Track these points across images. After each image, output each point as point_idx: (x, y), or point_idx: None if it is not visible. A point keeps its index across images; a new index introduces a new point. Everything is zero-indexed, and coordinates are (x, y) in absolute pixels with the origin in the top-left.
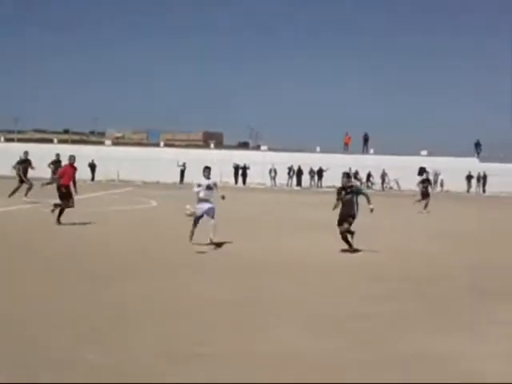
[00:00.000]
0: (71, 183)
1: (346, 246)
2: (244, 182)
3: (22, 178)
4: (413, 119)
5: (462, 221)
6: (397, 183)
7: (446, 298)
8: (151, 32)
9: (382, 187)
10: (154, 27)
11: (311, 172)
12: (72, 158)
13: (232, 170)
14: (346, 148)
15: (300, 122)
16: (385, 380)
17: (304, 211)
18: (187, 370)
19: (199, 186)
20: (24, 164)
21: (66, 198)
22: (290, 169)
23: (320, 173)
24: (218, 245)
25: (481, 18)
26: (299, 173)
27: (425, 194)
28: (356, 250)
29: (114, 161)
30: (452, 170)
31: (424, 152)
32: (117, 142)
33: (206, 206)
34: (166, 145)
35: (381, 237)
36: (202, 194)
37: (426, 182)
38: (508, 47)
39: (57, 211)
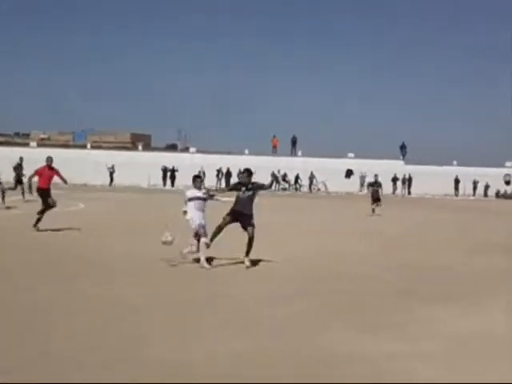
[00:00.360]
0: (50, 185)
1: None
2: (172, 184)
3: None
4: (340, 122)
5: (389, 222)
6: (324, 185)
7: (371, 298)
8: (84, 29)
9: (310, 189)
10: (88, 24)
11: (239, 174)
12: (49, 160)
13: (160, 173)
14: (274, 150)
15: (228, 125)
16: (315, 380)
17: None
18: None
19: (190, 200)
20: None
21: (44, 198)
22: (219, 171)
23: None
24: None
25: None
26: (228, 175)
27: (376, 198)
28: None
29: (40, 163)
30: (378, 172)
31: (351, 154)
32: (42, 144)
33: (200, 219)
34: (93, 146)
35: (306, 237)
36: (194, 208)
37: (375, 185)
38: (431, 51)
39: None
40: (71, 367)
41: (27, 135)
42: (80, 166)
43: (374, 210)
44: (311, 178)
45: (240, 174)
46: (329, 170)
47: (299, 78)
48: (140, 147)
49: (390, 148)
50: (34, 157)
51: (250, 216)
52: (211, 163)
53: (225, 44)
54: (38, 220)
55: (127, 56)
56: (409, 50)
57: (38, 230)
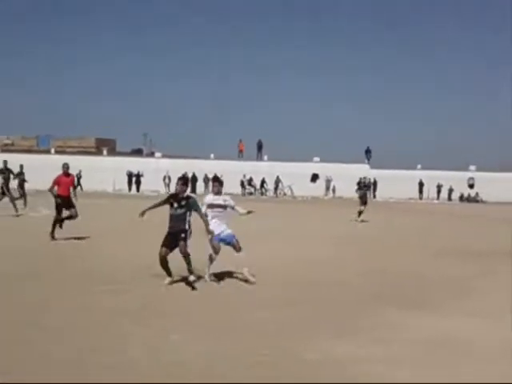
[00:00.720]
0: (70, 192)
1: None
2: (138, 189)
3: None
4: (306, 126)
5: (354, 226)
6: (290, 189)
7: (341, 303)
8: (49, 36)
9: (276, 193)
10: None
11: (205, 179)
12: (65, 166)
13: (125, 178)
14: (240, 155)
15: (193, 129)
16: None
17: None
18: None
19: (209, 206)
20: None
21: (62, 208)
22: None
23: (216, 180)
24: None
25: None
26: (193, 180)
27: (364, 202)
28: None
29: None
30: (343, 176)
31: (317, 158)
32: (6, 149)
33: (220, 229)
34: (57, 152)
35: (279, 243)
36: (210, 216)
37: (364, 188)
38: (391, 52)
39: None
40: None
41: None
42: (44, 171)
43: (360, 214)
44: (277, 182)
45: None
46: (294, 175)
47: (264, 81)
48: (105, 152)
49: (355, 152)
50: None
51: (181, 231)
52: (177, 168)
53: (186, 48)
54: (59, 225)
55: (92, 59)
56: (373, 51)
57: (54, 238)
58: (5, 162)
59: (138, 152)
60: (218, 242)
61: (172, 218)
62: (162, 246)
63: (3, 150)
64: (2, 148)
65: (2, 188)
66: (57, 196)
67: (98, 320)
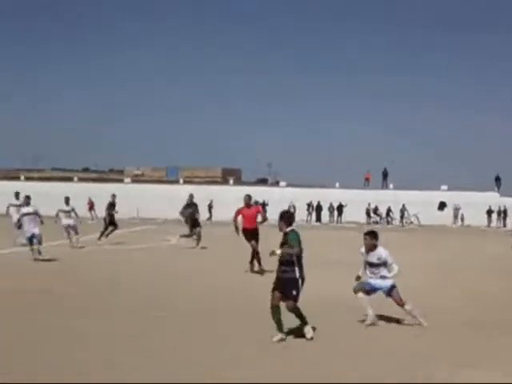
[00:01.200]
0: (256, 224)
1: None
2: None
3: (110, 221)
4: (433, 154)
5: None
6: (417, 218)
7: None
8: (165, 68)
9: (402, 222)
10: (168, 65)
11: (330, 208)
12: (246, 199)
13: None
14: (366, 184)
15: (318, 159)
16: None
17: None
18: None
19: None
20: (111, 208)
21: (249, 239)
22: (309, 205)
23: (340, 208)
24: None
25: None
26: (318, 208)
27: None
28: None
29: (134, 198)
30: (472, 205)
31: (444, 187)
32: (136, 180)
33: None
34: (185, 181)
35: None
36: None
37: None
38: None
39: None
40: None
41: (121, 171)
42: (173, 200)
43: None
44: (402, 210)
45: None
46: (421, 203)
47: (390, 113)
48: (231, 181)
49: (484, 180)
50: (128, 193)
51: (289, 281)
52: (301, 197)
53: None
54: (257, 262)
55: (217, 97)
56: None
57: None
58: (191, 195)
59: (263, 181)
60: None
61: (278, 260)
62: (273, 289)
63: (133, 181)
64: (133, 179)
65: (190, 221)
66: (242, 230)
67: None
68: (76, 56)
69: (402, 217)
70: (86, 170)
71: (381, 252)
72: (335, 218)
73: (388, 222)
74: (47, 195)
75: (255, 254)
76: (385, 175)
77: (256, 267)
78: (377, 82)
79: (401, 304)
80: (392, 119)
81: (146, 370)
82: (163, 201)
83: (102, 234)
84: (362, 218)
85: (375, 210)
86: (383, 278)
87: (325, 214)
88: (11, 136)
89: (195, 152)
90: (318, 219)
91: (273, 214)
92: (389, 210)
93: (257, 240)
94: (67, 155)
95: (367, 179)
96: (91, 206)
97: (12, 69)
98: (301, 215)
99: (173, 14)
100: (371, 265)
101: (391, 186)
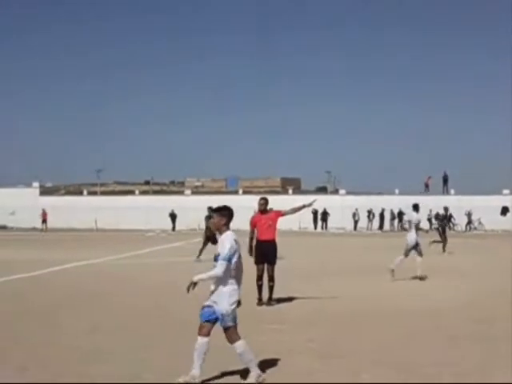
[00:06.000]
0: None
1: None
2: (325, 227)
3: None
4: (494, 158)
5: None
6: (480, 223)
7: None
8: (222, 77)
9: (466, 228)
10: (224, 73)
11: (391, 214)
12: (263, 202)
13: (311, 216)
14: (426, 189)
15: (377, 165)
16: None
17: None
18: None
19: None
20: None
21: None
22: (370, 212)
23: (400, 215)
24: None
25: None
26: (382, 216)
27: None
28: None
29: (194, 210)
30: None
31: (506, 191)
32: (196, 191)
33: None
34: (245, 192)
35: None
36: None
37: None
38: None
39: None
40: None
41: (182, 183)
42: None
43: None
44: (469, 215)
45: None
46: (482, 208)
47: (448, 115)
48: (290, 191)
49: None
50: (188, 205)
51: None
52: (361, 204)
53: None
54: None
55: (277, 105)
56: None
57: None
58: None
59: (322, 190)
60: None
61: None
62: None
63: (193, 193)
64: (193, 190)
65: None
66: (256, 244)
67: None
68: (135, 65)
69: (468, 222)
70: (147, 182)
71: None
72: (396, 225)
73: (450, 228)
74: (111, 209)
75: (269, 281)
76: (445, 180)
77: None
78: (434, 85)
79: None
80: (454, 125)
81: None
82: None
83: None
84: (423, 225)
85: (436, 216)
86: None
87: (386, 220)
88: (74, 151)
89: (254, 162)
90: (381, 227)
91: (334, 223)
92: (450, 216)
93: (273, 260)
94: (129, 168)
95: (427, 185)
96: (45, 218)
97: (70, 84)
98: (361, 223)
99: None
100: None
101: (452, 191)
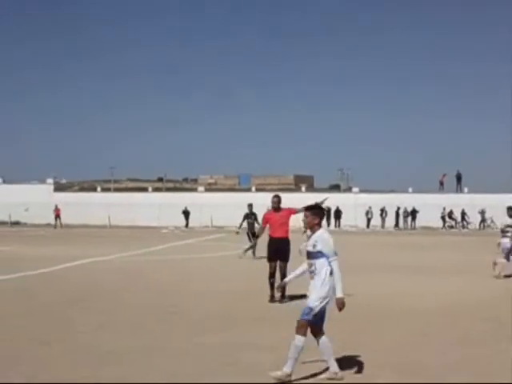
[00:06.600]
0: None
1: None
2: (338, 224)
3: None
4: (507, 156)
5: None
6: (492, 221)
7: None
8: (239, 73)
9: (480, 226)
10: (238, 77)
11: (405, 213)
12: (276, 200)
13: (325, 213)
14: (441, 187)
15: (390, 164)
16: None
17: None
18: None
19: None
20: (249, 219)
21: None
22: (383, 210)
23: (413, 213)
24: None
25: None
26: (397, 214)
27: None
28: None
29: (207, 207)
30: None
31: None
32: (209, 189)
33: None
34: (258, 189)
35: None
36: None
37: None
38: None
39: None
40: None
41: (195, 180)
42: (246, 208)
43: None
44: (483, 213)
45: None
46: (496, 206)
47: (460, 116)
48: (303, 188)
49: None
50: (201, 201)
51: None
52: (374, 202)
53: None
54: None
55: (290, 103)
56: None
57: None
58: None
59: (335, 187)
60: None
61: None
62: None
63: (207, 190)
64: (206, 187)
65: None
66: (268, 241)
67: None
68: (149, 67)
69: (482, 221)
70: (160, 179)
71: None
72: (409, 223)
73: (463, 227)
74: (125, 206)
75: (281, 279)
76: (458, 178)
77: (277, 296)
78: (447, 84)
79: None
80: (465, 123)
81: None
82: (236, 209)
83: (252, 248)
84: (437, 223)
85: (450, 215)
86: None
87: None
88: (88, 148)
89: (267, 159)
90: (397, 224)
91: (347, 220)
92: (463, 214)
93: (286, 257)
94: (142, 165)
95: (442, 183)
96: (58, 214)
97: (84, 83)
98: (374, 221)
99: None
100: None
101: (466, 189)
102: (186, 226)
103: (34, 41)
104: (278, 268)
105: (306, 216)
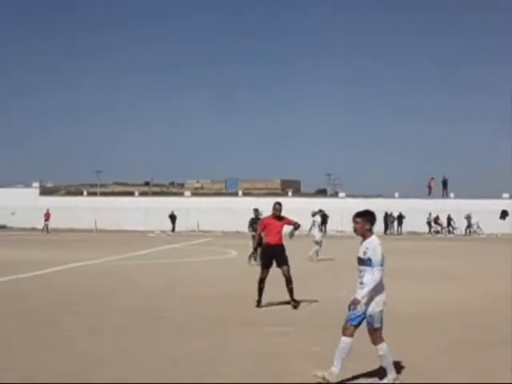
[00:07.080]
0: (282, 240)
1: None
2: (324, 229)
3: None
4: (493, 161)
5: None
6: (478, 227)
7: None
8: (224, 83)
9: (466, 231)
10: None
11: (390, 218)
12: (278, 207)
13: (311, 218)
14: (430, 192)
15: (377, 168)
16: None
17: None
18: None
19: None
20: (255, 224)
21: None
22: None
23: (400, 218)
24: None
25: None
26: (386, 219)
27: None
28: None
29: (194, 211)
30: None
31: (506, 195)
32: (196, 193)
33: None
34: (245, 194)
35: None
36: None
37: None
38: None
39: None
40: None
41: (182, 185)
42: (232, 213)
43: None
44: (469, 219)
45: None
46: (482, 212)
47: (448, 119)
48: (290, 193)
49: None
50: (187, 206)
51: None
52: (361, 207)
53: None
54: (289, 295)
55: (277, 108)
56: None
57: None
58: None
59: (322, 192)
60: None
61: None
62: None
63: (193, 194)
64: (193, 191)
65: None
66: (263, 246)
67: None
68: (137, 69)
69: (468, 226)
70: (147, 183)
71: None
72: (395, 228)
73: (449, 232)
74: (111, 210)
75: (287, 284)
76: (444, 184)
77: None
78: (434, 89)
79: None
80: (451, 129)
81: None
82: (222, 213)
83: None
84: (423, 228)
85: (436, 220)
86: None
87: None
88: (74, 151)
89: (254, 164)
90: (386, 230)
91: (335, 225)
92: (449, 219)
93: (286, 261)
94: (129, 169)
95: (430, 187)
96: (47, 218)
97: (71, 86)
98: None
99: None
100: None
101: (452, 194)
102: (173, 230)
103: (33, 41)
104: (278, 273)
105: (356, 222)
